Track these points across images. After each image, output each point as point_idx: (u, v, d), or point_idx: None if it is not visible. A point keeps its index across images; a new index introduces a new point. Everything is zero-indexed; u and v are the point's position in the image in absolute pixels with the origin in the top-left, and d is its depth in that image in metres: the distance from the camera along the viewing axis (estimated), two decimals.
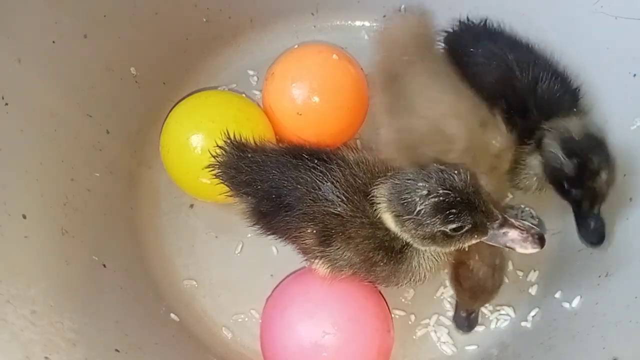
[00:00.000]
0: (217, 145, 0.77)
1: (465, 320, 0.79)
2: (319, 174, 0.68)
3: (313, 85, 0.86)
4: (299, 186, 0.69)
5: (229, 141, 0.78)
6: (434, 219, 0.58)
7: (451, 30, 0.90)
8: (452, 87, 0.76)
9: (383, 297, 0.80)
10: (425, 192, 0.58)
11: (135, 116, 0.94)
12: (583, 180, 0.67)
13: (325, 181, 0.67)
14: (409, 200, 0.59)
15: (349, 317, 0.72)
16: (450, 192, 0.57)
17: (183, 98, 0.92)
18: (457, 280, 0.74)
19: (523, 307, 0.85)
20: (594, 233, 0.68)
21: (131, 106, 0.92)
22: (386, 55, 0.82)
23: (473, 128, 0.72)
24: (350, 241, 0.67)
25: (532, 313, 0.84)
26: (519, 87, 0.77)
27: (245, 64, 1.03)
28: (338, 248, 0.68)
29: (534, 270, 0.86)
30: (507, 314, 0.85)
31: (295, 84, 0.87)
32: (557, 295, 0.82)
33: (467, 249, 0.65)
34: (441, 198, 0.57)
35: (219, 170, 0.77)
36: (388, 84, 0.79)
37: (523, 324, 0.84)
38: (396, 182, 0.62)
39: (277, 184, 0.70)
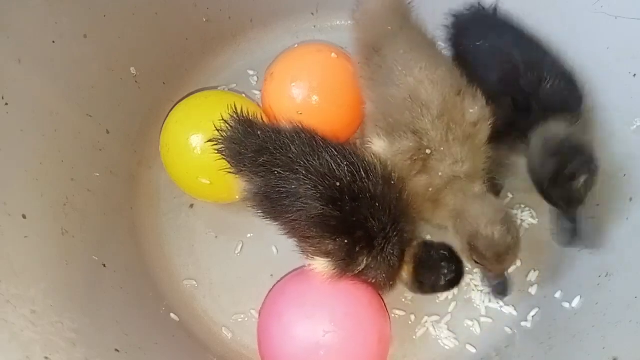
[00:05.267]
0: (222, 119, 0.73)
1: (502, 285, 0.75)
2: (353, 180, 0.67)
3: (312, 85, 0.87)
4: (331, 187, 0.66)
5: (235, 116, 0.74)
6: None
7: (461, 13, 0.89)
8: (430, 55, 0.77)
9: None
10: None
11: (135, 116, 0.94)
12: (560, 182, 0.68)
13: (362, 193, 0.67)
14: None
15: (346, 312, 0.72)
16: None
17: (183, 98, 0.92)
18: (479, 254, 0.70)
19: (523, 307, 0.85)
20: (564, 234, 0.70)
21: (131, 106, 0.92)
22: (366, 31, 0.82)
23: (449, 95, 0.73)
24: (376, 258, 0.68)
25: (532, 313, 0.84)
26: (524, 86, 0.76)
27: (245, 64, 1.03)
28: (359, 262, 0.68)
29: (534, 270, 0.86)
30: (508, 314, 0.85)
31: (295, 83, 0.87)
32: (557, 295, 0.82)
33: (472, 216, 0.70)
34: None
35: (222, 146, 0.73)
36: (369, 58, 0.79)
37: (523, 324, 0.84)
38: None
39: (298, 174, 0.67)
